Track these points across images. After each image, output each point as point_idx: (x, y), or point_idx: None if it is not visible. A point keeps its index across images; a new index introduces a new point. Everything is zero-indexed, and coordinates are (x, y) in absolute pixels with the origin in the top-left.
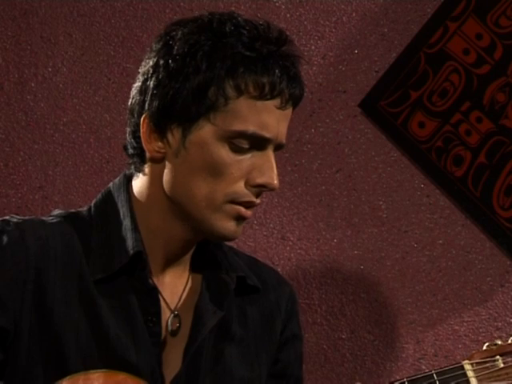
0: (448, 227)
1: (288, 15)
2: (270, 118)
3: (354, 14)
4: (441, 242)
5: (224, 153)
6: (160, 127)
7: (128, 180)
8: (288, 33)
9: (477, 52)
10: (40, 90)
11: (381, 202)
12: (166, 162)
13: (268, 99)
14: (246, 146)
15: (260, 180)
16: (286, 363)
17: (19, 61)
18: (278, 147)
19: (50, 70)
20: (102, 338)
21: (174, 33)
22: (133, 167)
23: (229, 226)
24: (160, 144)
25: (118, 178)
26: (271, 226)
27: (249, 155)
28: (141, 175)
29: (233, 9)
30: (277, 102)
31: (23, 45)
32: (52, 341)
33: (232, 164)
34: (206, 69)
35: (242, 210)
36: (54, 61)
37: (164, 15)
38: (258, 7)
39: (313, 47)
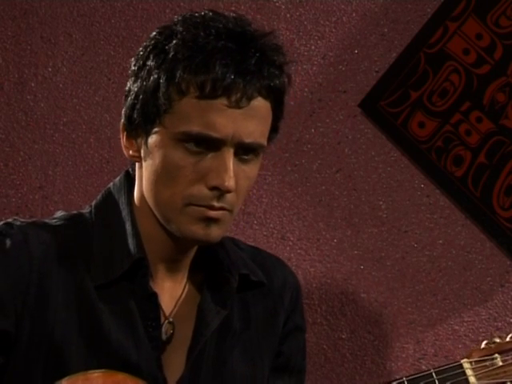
0: (448, 227)
1: (288, 15)
2: (218, 117)
3: (354, 14)
4: (441, 241)
5: (177, 156)
6: (131, 131)
7: (129, 181)
8: (288, 33)
9: (477, 52)
10: (40, 90)
11: (381, 202)
12: (143, 167)
13: (212, 98)
14: (198, 147)
15: (214, 182)
16: (289, 355)
17: (19, 61)
18: (248, 147)
19: (49, 70)
20: (104, 341)
21: (152, 37)
22: (130, 168)
23: (195, 228)
24: (134, 148)
25: (118, 179)
26: (271, 226)
27: (206, 157)
28: (136, 177)
29: (233, 9)
30: (224, 100)
31: (23, 45)
32: (52, 344)
33: (186, 166)
34: (157, 72)
35: (207, 211)
36: (54, 61)
37: (164, 15)
38: (258, 7)
39: (313, 47)
